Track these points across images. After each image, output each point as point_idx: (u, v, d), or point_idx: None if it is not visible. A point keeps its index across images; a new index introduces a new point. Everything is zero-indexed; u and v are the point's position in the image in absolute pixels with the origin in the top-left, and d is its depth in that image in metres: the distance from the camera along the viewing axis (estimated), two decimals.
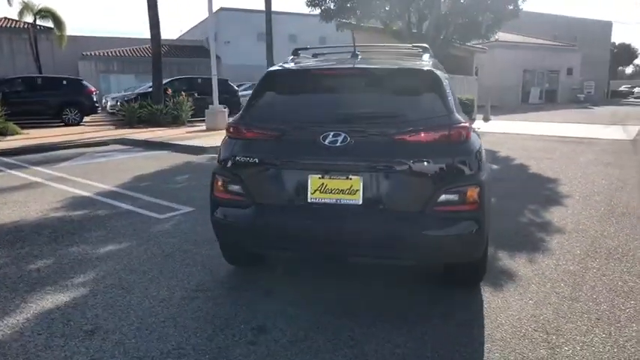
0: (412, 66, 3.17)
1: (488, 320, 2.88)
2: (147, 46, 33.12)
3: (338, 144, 2.78)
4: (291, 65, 3.38)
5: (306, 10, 15.06)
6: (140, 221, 5.04)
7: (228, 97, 17.96)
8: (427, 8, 13.30)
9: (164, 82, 16.80)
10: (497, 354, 2.53)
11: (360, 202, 2.79)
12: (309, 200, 2.86)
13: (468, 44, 18.11)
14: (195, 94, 16.96)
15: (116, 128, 14.91)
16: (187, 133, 13.37)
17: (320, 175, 2.84)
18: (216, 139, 11.54)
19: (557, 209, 5.37)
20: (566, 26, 37.16)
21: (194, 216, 5.22)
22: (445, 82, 3.02)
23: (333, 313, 2.96)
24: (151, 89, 17.07)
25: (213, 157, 9.58)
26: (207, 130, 13.88)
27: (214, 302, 3.16)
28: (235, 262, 3.68)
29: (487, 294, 3.23)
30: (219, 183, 3.12)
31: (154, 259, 3.96)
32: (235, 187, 3.04)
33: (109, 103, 20.81)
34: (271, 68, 3.37)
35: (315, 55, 3.91)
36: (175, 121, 15.66)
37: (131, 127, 14.89)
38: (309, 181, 2.85)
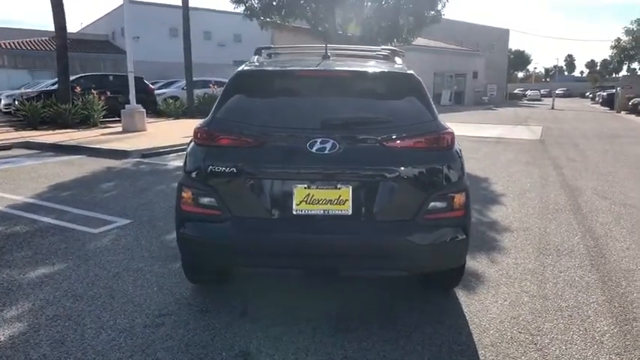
0: (396, 69, 3.08)
1: (473, 325, 2.89)
2: (43, 38, 30.05)
3: (326, 151, 2.61)
4: (265, 66, 3.14)
5: (224, 6, 14.58)
6: (71, 238, 4.45)
7: (145, 97, 16.81)
8: (352, 11, 13.49)
9: (71, 79, 15.28)
10: (495, 358, 2.53)
11: (350, 213, 2.64)
12: (294, 212, 2.65)
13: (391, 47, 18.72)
14: (108, 93, 15.64)
15: (16, 130, 13.25)
16: (102, 135, 12.26)
17: (306, 185, 2.64)
18: (139, 141, 10.73)
19: (497, 208, 5.66)
20: (469, 32, 40.03)
21: (134, 229, 4.72)
22: (425, 87, 2.98)
23: (320, 331, 2.79)
24: (55, 87, 15.42)
25: (139, 161, 8.88)
26: (124, 131, 12.86)
27: (185, 328, 2.83)
28: (199, 281, 3.35)
29: (463, 297, 3.26)
30: (188, 195, 2.79)
31: (100, 281, 3.48)
32: (208, 200, 2.73)
33: (2, 102, 18.46)
34: (243, 68, 3.09)
35: (273, 55, 3.69)
36: (85, 122, 14.30)
37: (34, 128, 13.32)
38: (294, 191, 2.64)
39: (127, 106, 13.37)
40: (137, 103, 13.62)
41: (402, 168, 2.64)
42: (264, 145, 2.68)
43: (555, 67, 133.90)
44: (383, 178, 2.64)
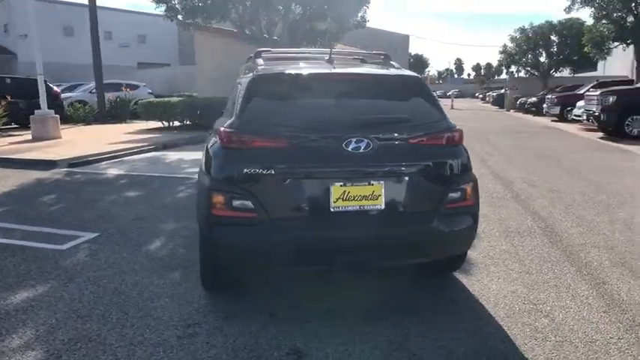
0: (405, 73, 3.31)
1: (484, 302, 3.21)
2: None
3: (361, 150, 2.75)
4: (284, 69, 3.18)
5: (126, 4, 13.88)
6: (38, 257, 4.05)
7: (50, 101, 15.36)
8: (278, 15, 13.64)
9: None
10: (514, 328, 2.86)
11: (383, 207, 2.82)
12: (332, 209, 2.76)
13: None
14: (8, 98, 14.02)
15: None
16: (10, 144, 11.03)
17: (342, 183, 2.77)
18: (61, 150, 9.84)
19: None
20: (374, 37, 42.03)
21: (106, 242, 4.42)
22: (430, 89, 3.25)
23: (355, 322, 2.91)
24: None
25: (70, 171, 8.19)
26: (36, 139, 11.69)
27: (222, 335, 2.78)
28: (216, 288, 3.29)
29: (463, 280, 3.58)
30: (220, 200, 2.76)
31: (101, 299, 3.26)
32: (243, 203, 2.73)
33: None
34: (263, 72, 3.11)
35: (273, 59, 3.73)
36: None
37: None
38: (331, 189, 2.75)
39: (37, 111, 12.16)
40: (38, 108, 12.39)
41: (426, 163, 2.88)
42: (300, 145, 2.75)
43: (447, 70, 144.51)
44: (411, 172, 2.85)
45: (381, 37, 43.06)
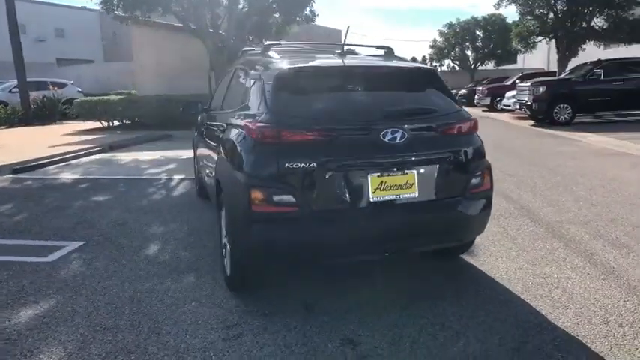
0: (422, 66, 3.42)
1: (498, 279, 3.43)
2: None
3: (397, 140, 2.83)
4: (308, 62, 3.16)
5: None
6: (25, 271, 3.72)
7: None
8: (222, 9, 13.30)
9: None
10: (535, 300, 3.09)
11: (417, 195, 2.92)
12: (371, 200, 2.82)
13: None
14: None
15: None
16: None
17: (379, 174, 2.83)
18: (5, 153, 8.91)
19: None
20: (310, 32, 42.15)
21: (98, 250, 4.16)
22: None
23: (389, 309, 3.00)
24: None
25: (17, 178, 7.53)
26: None
27: (269, 333, 2.75)
28: (243, 288, 3.22)
29: (472, 261, 3.79)
30: (259, 196, 2.71)
31: (120, 309, 3.08)
32: (284, 198, 2.71)
33: None
34: (290, 65, 3.06)
35: (285, 53, 3.69)
36: None
37: None
38: (369, 180, 2.81)
39: None
40: None
41: (453, 151, 3.02)
42: (338, 138, 2.77)
43: None
44: (440, 161, 2.98)
45: (315, 31, 43.21)
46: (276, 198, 2.72)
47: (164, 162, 8.79)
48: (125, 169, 8.12)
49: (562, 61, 17.97)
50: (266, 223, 2.75)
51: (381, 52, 3.96)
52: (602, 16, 17.16)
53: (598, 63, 14.04)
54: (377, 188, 2.83)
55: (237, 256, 2.99)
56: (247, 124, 2.90)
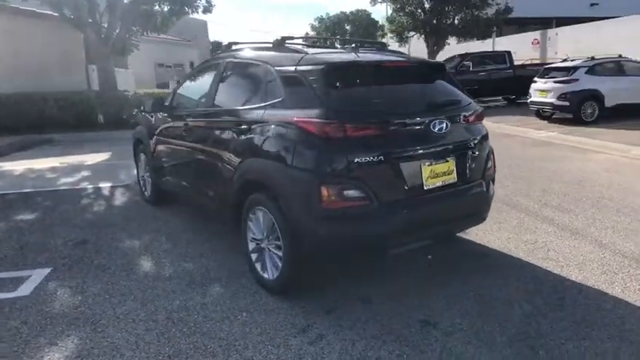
0: (435, 60, 3.59)
1: (503, 250, 3.87)
2: None
3: (443, 130, 3.01)
4: (353, 57, 3.13)
5: None
6: (3, 312, 3.07)
7: None
8: None
9: None
10: (542, 262, 3.57)
11: (456, 180, 3.15)
12: (425, 188, 2.96)
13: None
14: None
15: None
16: None
17: (429, 162, 2.99)
18: None
19: None
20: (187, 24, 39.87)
21: (75, 274, 3.61)
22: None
23: (437, 288, 3.21)
24: None
25: None
26: None
27: (345, 327, 2.75)
28: (292, 290, 3.13)
29: (468, 237, 4.18)
30: (330, 192, 2.68)
31: (166, 334, 2.76)
32: (354, 192, 2.71)
33: None
34: (335, 61, 3.01)
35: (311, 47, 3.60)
36: None
37: None
38: (422, 169, 2.95)
39: None
40: None
41: (476, 138, 3.31)
42: (398, 129, 2.85)
43: None
44: (469, 147, 3.25)
45: (178, 22, 41.05)
46: (346, 193, 2.71)
47: (71, 170, 7.71)
48: (30, 181, 6.93)
49: (431, 55, 20.04)
50: (337, 219, 2.73)
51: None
52: (461, 14, 19.54)
53: (466, 56, 15.97)
54: (429, 176, 2.99)
55: (296, 257, 2.89)
56: (302, 120, 2.80)
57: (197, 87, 4.37)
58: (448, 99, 3.28)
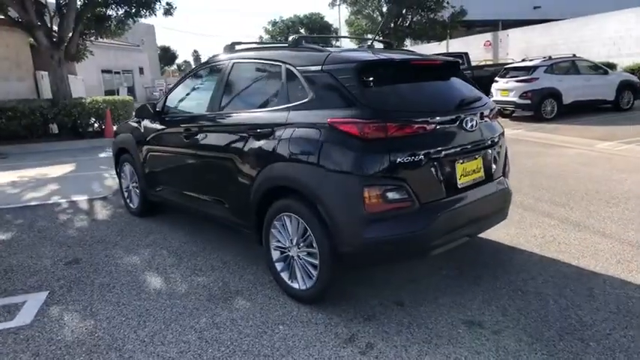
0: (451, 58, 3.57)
1: (515, 245, 3.92)
2: None
3: (473, 128, 3.00)
4: (377, 56, 3.03)
5: None
6: (7, 343, 2.75)
7: None
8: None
9: None
10: (556, 254, 3.64)
11: (483, 177, 3.14)
12: (459, 186, 2.93)
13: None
14: None
15: None
16: None
17: (462, 161, 2.97)
18: None
19: None
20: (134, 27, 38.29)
21: (76, 297, 3.31)
22: None
23: (470, 288, 3.20)
24: None
25: None
26: None
27: (391, 333, 2.66)
28: (325, 297, 3.00)
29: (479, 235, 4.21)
30: (374, 194, 2.59)
31: (205, 354, 2.56)
32: (397, 194, 2.64)
33: None
34: (367, 59, 2.90)
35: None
36: None
37: None
38: (457, 167, 2.92)
39: None
40: None
41: (497, 135, 3.33)
42: (435, 128, 2.80)
43: (185, 62, 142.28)
44: (493, 144, 3.25)
45: (136, 26, 39.47)
46: (390, 195, 2.63)
47: (35, 183, 7.15)
48: None
49: None
50: (381, 221, 2.64)
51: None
52: (417, 17, 20.03)
53: None
54: (462, 174, 2.96)
55: (334, 264, 2.77)
56: (338, 120, 2.69)
57: (196, 90, 4.14)
58: (473, 96, 3.27)
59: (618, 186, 5.53)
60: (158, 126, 4.41)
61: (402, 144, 2.68)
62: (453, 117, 2.93)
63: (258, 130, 3.19)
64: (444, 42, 22.38)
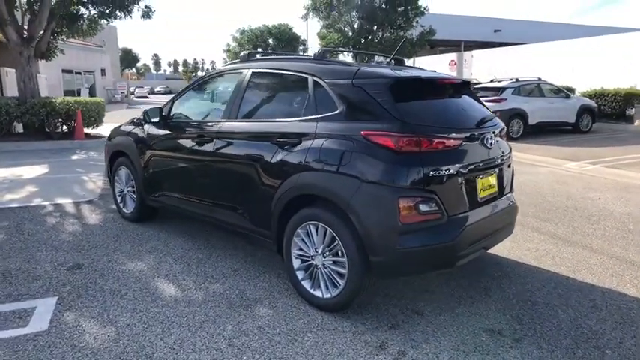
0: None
1: (512, 257, 4.13)
2: None
3: (492, 145, 3.18)
4: (412, 73, 3.17)
5: None
6: (27, 350, 2.64)
7: None
8: None
9: None
10: (553, 267, 3.88)
11: (497, 191, 3.33)
12: (479, 201, 3.09)
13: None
14: None
15: None
16: None
17: (482, 176, 3.14)
18: None
19: None
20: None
21: (88, 303, 3.21)
22: None
23: (484, 294, 3.35)
24: None
25: None
26: None
27: (419, 340, 2.76)
28: (350, 305, 3.07)
29: None
30: (408, 205, 2.69)
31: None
32: (429, 206, 2.76)
33: None
34: (400, 76, 3.01)
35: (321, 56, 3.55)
36: None
37: None
38: (478, 182, 3.09)
39: None
40: None
41: (507, 152, 3.53)
42: (462, 143, 2.96)
43: (144, 65, 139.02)
44: (505, 160, 3.45)
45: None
46: (422, 207, 2.74)
47: (10, 185, 6.80)
48: None
49: None
50: (414, 232, 2.75)
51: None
52: (387, 34, 20.59)
53: None
54: (481, 189, 3.13)
55: (364, 273, 2.85)
56: (373, 133, 2.79)
57: (208, 97, 4.13)
58: (488, 114, 3.47)
59: (594, 204, 5.92)
60: (165, 131, 4.35)
61: (433, 158, 2.81)
62: (476, 134, 3.10)
63: (284, 140, 3.24)
64: (411, 60, 23.09)
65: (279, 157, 3.26)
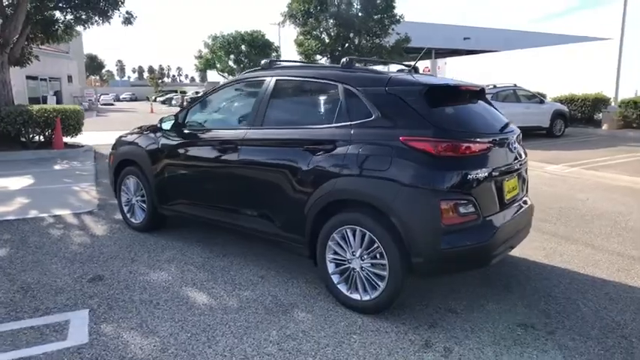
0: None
1: (524, 256, 4.32)
2: None
3: (516, 148, 3.36)
4: (441, 81, 3.30)
5: None
6: None
7: None
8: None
9: None
10: (565, 264, 4.09)
11: (518, 194, 3.50)
12: (506, 202, 3.25)
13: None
14: None
15: None
16: None
17: (507, 178, 3.30)
18: None
19: None
20: None
21: (121, 314, 3.18)
22: None
23: (504, 293, 3.51)
24: None
25: None
26: None
27: (461, 336, 2.88)
28: (390, 307, 3.16)
29: None
30: (449, 207, 2.82)
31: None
32: (468, 208, 2.89)
33: None
34: (432, 83, 3.14)
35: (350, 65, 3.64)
36: None
37: None
38: (504, 184, 3.24)
39: None
40: None
41: (525, 155, 3.71)
42: (493, 147, 3.11)
43: (108, 72, 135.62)
44: (524, 163, 3.63)
45: None
46: (462, 209, 2.87)
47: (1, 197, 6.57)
48: None
49: None
50: (454, 233, 2.87)
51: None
52: (364, 41, 20.93)
53: None
54: (507, 191, 3.29)
55: (405, 275, 2.94)
56: (412, 138, 2.90)
57: (230, 105, 4.15)
58: (507, 120, 3.65)
59: (584, 204, 6.24)
60: (181, 139, 4.33)
61: (469, 162, 2.95)
62: (502, 138, 3.27)
63: (317, 146, 3.31)
64: (387, 66, 23.54)
65: (311, 163, 3.32)
